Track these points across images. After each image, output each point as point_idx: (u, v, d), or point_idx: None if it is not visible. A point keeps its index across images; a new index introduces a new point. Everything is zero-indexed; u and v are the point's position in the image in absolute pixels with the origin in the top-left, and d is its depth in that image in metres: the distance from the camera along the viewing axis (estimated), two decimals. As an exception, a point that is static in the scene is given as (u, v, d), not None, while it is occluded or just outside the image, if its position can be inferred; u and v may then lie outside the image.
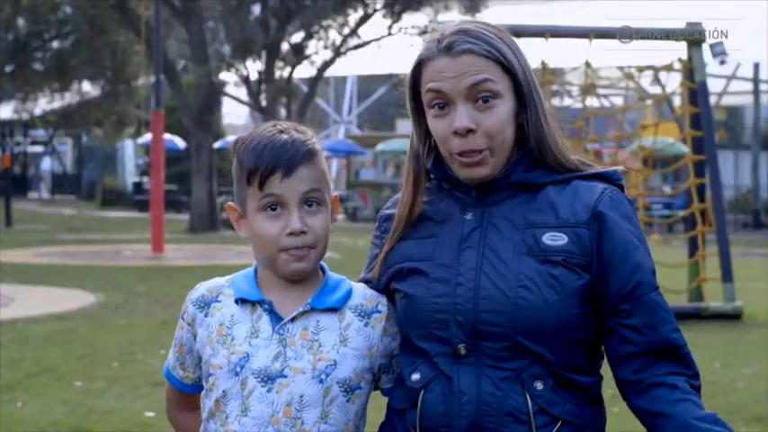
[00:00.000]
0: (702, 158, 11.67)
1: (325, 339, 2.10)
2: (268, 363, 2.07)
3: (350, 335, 2.12)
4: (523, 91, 2.09)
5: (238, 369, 2.08)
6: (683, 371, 2.03)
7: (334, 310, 2.12)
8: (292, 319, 2.10)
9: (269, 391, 2.06)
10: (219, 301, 2.16)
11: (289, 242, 2.08)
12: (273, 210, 2.09)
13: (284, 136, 2.11)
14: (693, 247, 11.99)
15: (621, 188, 2.13)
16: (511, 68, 2.07)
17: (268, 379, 2.07)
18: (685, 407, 1.98)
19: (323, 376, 2.07)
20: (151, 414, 6.53)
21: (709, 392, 7.28)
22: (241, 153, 2.12)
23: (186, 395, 2.28)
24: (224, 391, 2.09)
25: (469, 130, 2.04)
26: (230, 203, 2.18)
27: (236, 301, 2.14)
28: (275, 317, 2.10)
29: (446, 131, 2.06)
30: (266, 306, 2.11)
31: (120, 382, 7.54)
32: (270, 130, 2.13)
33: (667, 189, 26.56)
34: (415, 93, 2.14)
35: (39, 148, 49.87)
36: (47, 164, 48.35)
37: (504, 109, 2.06)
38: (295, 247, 2.08)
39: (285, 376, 2.07)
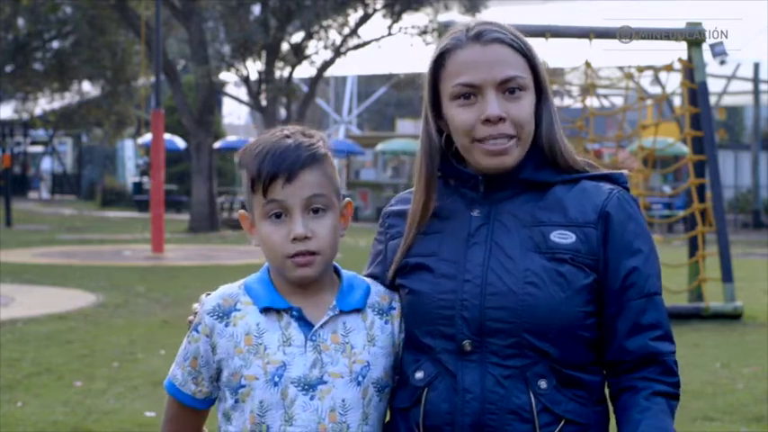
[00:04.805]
0: (702, 158, 11.65)
1: (355, 341, 2.08)
2: (306, 371, 2.04)
3: (375, 333, 2.11)
4: (542, 87, 2.11)
5: (276, 379, 2.04)
6: (659, 378, 2.04)
7: (358, 310, 2.11)
8: (322, 325, 2.08)
9: (312, 398, 2.04)
10: (239, 310, 2.10)
11: (293, 248, 2.05)
12: (278, 217, 2.05)
13: (288, 141, 2.07)
14: (693, 247, 11.97)
15: (627, 191, 2.15)
16: (534, 63, 2.09)
17: (309, 387, 2.04)
18: (645, 416, 2.00)
19: (360, 378, 2.07)
20: (151, 414, 6.53)
21: (709, 392, 7.30)
22: (246, 160, 2.09)
23: (191, 412, 2.19)
24: (261, 402, 2.05)
25: (500, 119, 2.05)
26: (242, 212, 2.15)
27: (261, 311, 2.09)
28: (304, 323, 2.07)
29: (472, 120, 2.06)
30: (294, 313, 2.08)
31: (120, 382, 7.52)
32: (275, 135, 2.09)
33: (667, 189, 26.54)
34: (433, 86, 2.13)
35: (39, 148, 49.86)
36: (47, 164, 48.32)
37: (529, 100, 2.09)
38: (299, 253, 2.04)
39: (325, 382, 2.05)
